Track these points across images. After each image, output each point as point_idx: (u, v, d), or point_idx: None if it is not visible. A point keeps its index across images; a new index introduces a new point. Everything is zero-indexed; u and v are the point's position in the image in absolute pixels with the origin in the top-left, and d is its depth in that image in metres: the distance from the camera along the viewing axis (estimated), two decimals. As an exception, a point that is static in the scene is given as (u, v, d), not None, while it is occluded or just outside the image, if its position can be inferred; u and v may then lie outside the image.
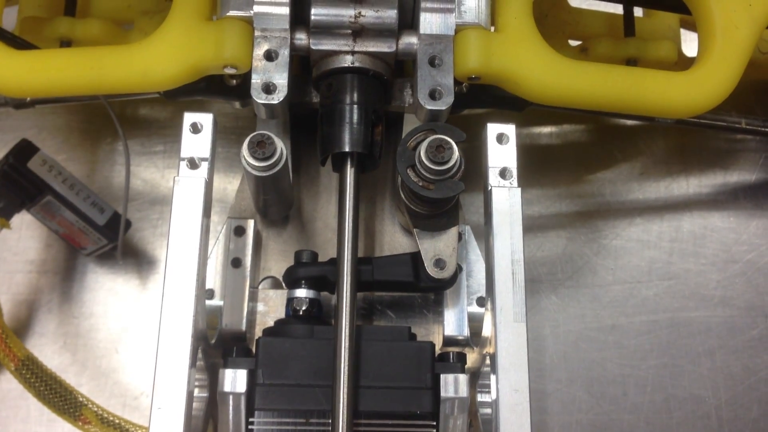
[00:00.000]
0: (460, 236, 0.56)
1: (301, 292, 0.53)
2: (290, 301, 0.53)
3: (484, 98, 0.55)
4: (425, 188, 0.48)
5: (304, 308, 0.52)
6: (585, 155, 0.70)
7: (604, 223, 0.67)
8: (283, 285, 0.55)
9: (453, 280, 0.52)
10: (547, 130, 0.70)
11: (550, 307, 0.65)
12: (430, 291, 0.57)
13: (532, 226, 0.67)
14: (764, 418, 0.62)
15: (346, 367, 0.46)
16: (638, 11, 0.65)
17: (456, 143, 0.48)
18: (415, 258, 0.53)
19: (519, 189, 0.49)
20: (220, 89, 0.54)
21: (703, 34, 0.54)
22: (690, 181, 0.69)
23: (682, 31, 0.66)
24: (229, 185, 0.65)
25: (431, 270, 0.51)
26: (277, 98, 0.50)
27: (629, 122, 0.71)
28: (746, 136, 0.70)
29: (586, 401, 0.62)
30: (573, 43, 0.65)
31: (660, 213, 0.68)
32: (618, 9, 0.64)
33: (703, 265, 0.66)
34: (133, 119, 0.68)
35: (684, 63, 0.63)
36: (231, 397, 0.46)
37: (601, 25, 0.64)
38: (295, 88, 0.52)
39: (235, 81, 0.53)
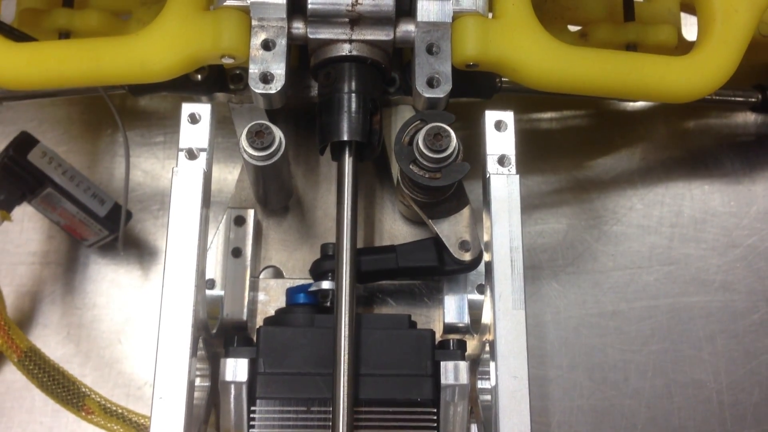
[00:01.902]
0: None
1: (327, 284, 0.53)
2: (315, 293, 0.53)
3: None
4: (433, 179, 0.49)
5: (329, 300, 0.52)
6: (585, 141, 0.70)
7: (605, 208, 0.67)
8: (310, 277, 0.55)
9: (478, 260, 0.52)
10: (547, 116, 0.70)
11: (551, 293, 0.65)
12: (455, 274, 0.57)
13: (532, 213, 0.67)
14: (765, 402, 0.62)
15: (347, 356, 0.46)
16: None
17: (450, 127, 0.48)
18: (437, 242, 0.53)
19: (517, 176, 0.49)
20: (184, 84, 0.55)
21: (703, 18, 0.54)
22: (690, 166, 0.69)
23: (683, 14, 0.66)
24: (229, 175, 0.65)
25: (457, 253, 0.52)
26: (274, 88, 0.50)
27: (629, 108, 0.71)
28: (747, 122, 0.70)
29: (587, 387, 0.62)
30: (572, 28, 0.65)
31: (660, 198, 0.68)
32: (617, -6, 0.64)
33: (703, 250, 0.66)
34: (133, 110, 0.68)
35: (684, 47, 0.63)
36: (232, 386, 0.47)
37: (600, 10, 0.64)
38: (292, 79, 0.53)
39: (199, 76, 0.55)
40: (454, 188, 0.52)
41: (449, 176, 0.49)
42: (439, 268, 0.53)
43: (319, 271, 0.54)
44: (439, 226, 0.52)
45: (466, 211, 0.53)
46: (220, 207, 0.62)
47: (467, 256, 0.52)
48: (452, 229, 0.52)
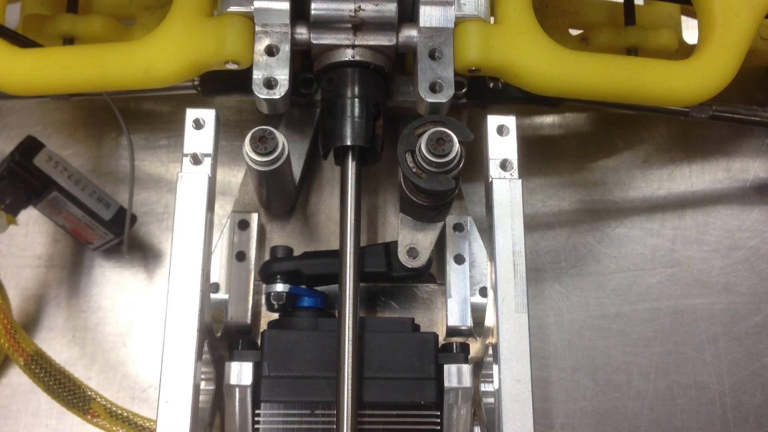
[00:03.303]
0: (464, 227, 0.56)
1: (279, 287, 0.53)
2: (268, 295, 0.54)
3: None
4: (417, 176, 0.48)
5: (281, 303, 0.53)
6: (587, 144, 0.70)
7: (607, 211, 0.68)
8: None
9: (424, 270, 0.52)
10: (549, 119, 0.70)
11: (554, 295, 0.65)
12: (403, 281, 0.58)
13: (535, 216, 0.67)
14: (768, 404, 0.62)
15: (350, 359, 0.46)
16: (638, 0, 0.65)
17: (459, 141, 0.47)
18: (388, 248, 0.53)
19: (519, 180, 0.49)
20: None
21: (703, 22, 0.54)
22: (692, 168, 0.69)
23: (684, 18, 0.66)
24: (233, 179, 0.66)
25: (403, 257, 0.52)
26: (278, 93, 0.50)
27: (631, 110, 0.71)
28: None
29: (590, 389, 0.62)
30: (573, 32, 0.65)
31: (663, 201, 0.68)
32: (618, -3, 0.64)
33: (706, 252, 0.66)
34: (137, 114, 0.69)
35: (685, 51, 0.63)
36: (237, 389, 0.47)
37: (601, 14, 0.64)
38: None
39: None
40: (443, 202, 0.51)
41: (432, 182, 0.48)
42: (387, 274, 0.54)
43: (267, 273, 0.54)
44: (404, 225, 0.53)
45: (436, 226, 0.53)
46: (224, 210, 0.62)
47: (412, 263, 0.52)
48: (411, 234, 0.53)
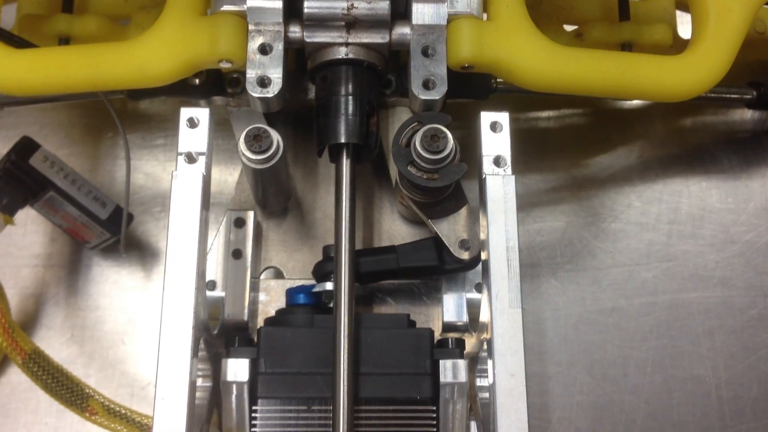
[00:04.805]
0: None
1: (330, 285, 0.53)
2: (318, 294, 0.53)
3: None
4: (431, 179, 0.49)
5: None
6: (582, 139, 0.70)
7: (603, 206, 0.68)
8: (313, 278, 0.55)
9: (478, 259, 0.52)
10: (544, 114, 0.70)
11: (550, 290, 0.65)
12: (455, 272, 0.57)
13: (531, 211, 0.67)
14: (764, 397, 0.63)
15: (346, 355, 0.47)
16: (633, -5, 0.65)
17: (447, 128, 0.48)
18: (437, 241, 0.54)
19: (513, 177, 0.49)
20: (182, 89, 0.56)
21: (696, 17, 0.54)
22: (687, 163, 0.69)
23: (679, 13, 0.66)
24: (229, 177, 0.66)
25: (457, 252, 0.52)
26: (272, 91, 0.50)
27: (627, 106, 0.71)
28: (744, 118, 0.70)
29: (587, 383, 0.63)
30: (568, 28, 0.65)
31: (658, 195, 0.68)
32: (612, -7, 0.64)
33: (701, 246, 0.67)
34: (134, 113, 0.69)
35: (680, 45, 0.63)
36: (234, 386, 0.47)
37: (595, 10, 0.64)
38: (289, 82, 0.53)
39: (197, 80, 0.55)
40: (452, 188, 0.52)
41: (447, 177, 0.49)
42: (439, 268, 0.54)
43: (321, 272, 0.54)
44: (439, 225, 0.53)
45: (464, 211, 0.53)
46: (220, 209, 0.62)
47: (466, 255, 0.52)
48: (451, 229, 0.53)
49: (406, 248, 0.55)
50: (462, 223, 0.53)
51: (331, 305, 0.53)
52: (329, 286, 0.53)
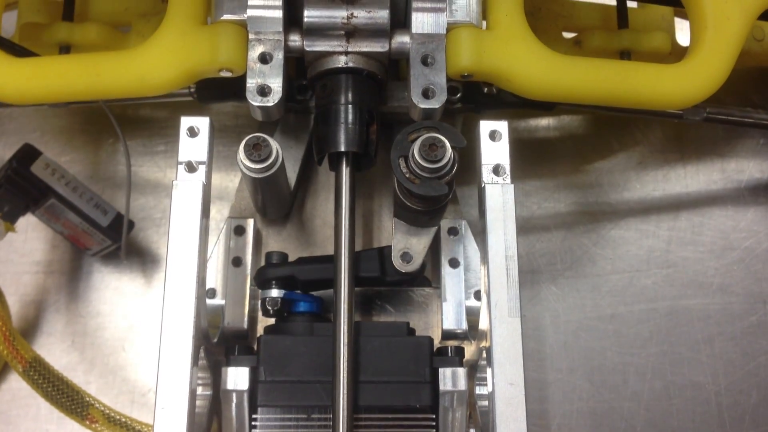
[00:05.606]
0: (458, 231, 0.57)
1: (274, 292, 0.54)
2: (263, 301, 0.54)
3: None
4: (410, 181, 0.48)
5: (276, 308, 0.53)
6: (582, 146, 0.70)
7: (603, 213, 0.68)
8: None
9: (418, 274, 0.53)
10: (544, 122, 0.71)
11: (550, 297, 0.65)
12: (397, 285, 0.58)
13: (530, 218, 0.67)
14: (763, 404, 0.63)
15: (346, 363, 0.47)
16: (632, 2, 0.65)
17: (452, 147, 0.47)
18: (382, 253, 0.54)
19: (512, 185, 0.49)
20: None
21: (695, 25, 0.54)
22: (687, 169, 0.70)
23: (677, 20, 0.66)
24: (230, 184, 0.66)
25: (397, 262, 0.52)
26: (272, 100, 0.50)
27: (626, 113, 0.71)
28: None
29: (586, 390, 0.63)
30: (567, 35, 0.65)
31: (658, 202, 0.68)
32: (611, 0, 0.64)
33: (701, 253, 0.67)
34: (135, 120, 0.69)
35: (678, 53, 0.64)
36: (234, 394, 0.47)
37: (594, 17, 0.65)
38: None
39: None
40: (437, 207, 0.51)
41: (424, 188, 0.48)
42: (381, 279, 0.54)
43: (262, 279, 0.54)
44: (397, 229, 0.53)
45: (430, 231, 0.53)
46: (221, 215, 0.62)
47: (405, 267, 0.53)
48: (405, 239, 0.53)
49: None
50: (418, 239, 0.53)
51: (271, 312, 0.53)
52: (274, 293, 0.53)
